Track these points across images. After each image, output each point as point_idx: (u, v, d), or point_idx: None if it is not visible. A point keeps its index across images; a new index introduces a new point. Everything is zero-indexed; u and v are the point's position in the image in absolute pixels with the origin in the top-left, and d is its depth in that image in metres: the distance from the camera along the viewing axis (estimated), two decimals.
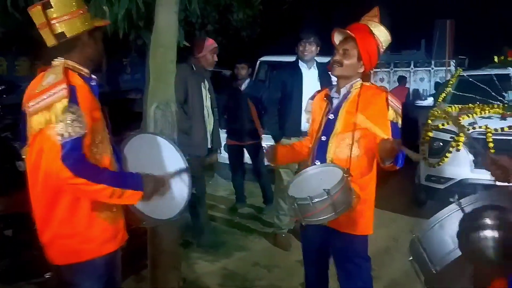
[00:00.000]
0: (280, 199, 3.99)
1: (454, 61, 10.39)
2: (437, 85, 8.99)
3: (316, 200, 1.86)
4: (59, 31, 1.61)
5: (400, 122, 2.09)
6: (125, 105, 8.78)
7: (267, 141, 5.16)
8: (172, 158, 1.97)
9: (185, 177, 1.96)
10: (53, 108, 1.50)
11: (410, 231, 1.73)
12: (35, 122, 1.53)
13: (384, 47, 2.15)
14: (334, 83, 2.35)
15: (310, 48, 3.79)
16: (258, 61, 7.18)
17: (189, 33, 6.75)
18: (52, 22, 1.60)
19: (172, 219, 1.90)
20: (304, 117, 3.74)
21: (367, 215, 2.17)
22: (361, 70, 2.16)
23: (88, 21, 1.67)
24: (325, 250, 2.30)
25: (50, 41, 1.63)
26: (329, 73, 3.86)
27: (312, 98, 2.41)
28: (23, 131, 1.67)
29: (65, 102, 1.50)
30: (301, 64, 3.87)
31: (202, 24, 6.80)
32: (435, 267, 1.44)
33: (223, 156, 5.30)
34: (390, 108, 2.06)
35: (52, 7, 1.59)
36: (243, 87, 4.75)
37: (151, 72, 2.68)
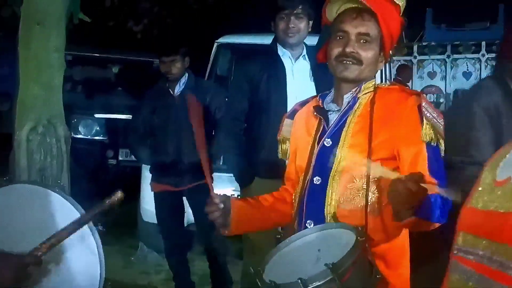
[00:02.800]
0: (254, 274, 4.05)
1: None
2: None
3: (315, 284, 1.81)
4: None
5: (442, 144, 2.10)
6: None
7: (222, 184, 5.27)
8: (65, 220, 1.98)
9: (92, 245, 2.01)
10: None
11: None
12: None
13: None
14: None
15: (298, 26, 3.79)
16: (216, 44, 7.29)
17: None
18: None
19: None
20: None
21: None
22: (381, 65, 2.27)
23: None
24: None
25: None
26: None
27: (291, 115, 2.44)
28: None
29: None
30: (283, 51, 3.91)
31: None
32: None
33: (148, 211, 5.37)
34: (425, 121, 2.06)
35: None
36: (176, 90, 4.82)
37: (21, 66, 2.75)
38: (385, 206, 2.08)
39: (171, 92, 4.75)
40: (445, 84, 10.80)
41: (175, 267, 5.03)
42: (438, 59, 11.08)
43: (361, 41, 2.15)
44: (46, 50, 2.77)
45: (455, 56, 10.97)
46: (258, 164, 3.87)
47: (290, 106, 3.84)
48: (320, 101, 2.31)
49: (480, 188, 1.01)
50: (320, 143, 2.21)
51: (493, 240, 0.93)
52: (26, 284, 1.80)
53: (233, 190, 5.03)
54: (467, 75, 10.87)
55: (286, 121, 2.46)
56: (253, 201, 2.41)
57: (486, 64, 10.84)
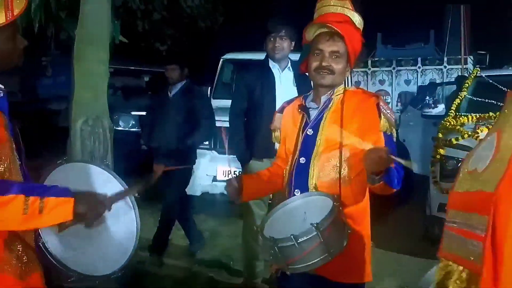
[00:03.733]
0: (251, 240, 4.04)
1: (471, 57, 10.77)
2: (428, 87, 9.25)
3: (303, 239, 1.85)
4: None
5: (395, 133, 2.17)
6: (45, 118, 8.72)
7: (228, 163, 5.21)
8: (110, 191, 1.93)
9: (131, 217, 1.95)
10: None
11: (395, 261, 1.75)
12: None
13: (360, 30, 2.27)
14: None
15: (282, 45, 3.85)
16: (221, 60, 7.27)
17: (130, 24, 6.82)
18: None
19: (112, 275, 1.85)
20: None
21: (365, 257, 2.20)
22: (348, 74, 2.28)
23: None
24: None
25: None
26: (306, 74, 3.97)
27: (281, 111, 2.45)
28: None
29: None
30: (272, 64, 3.95)
31: (147, 12, 6.88)
32: None
33: None
34: (382, 116, 2.12)
35: None
36: (172, 92, 4.74)
37: (76, 76, 2.73)
38: (354, 178, 2.15)
39: (169, 93, 4.70)
40: (392, 89, 10.90)
41: (183, 223, 4.98)
42: (386, 70, 11.21)
43: (333, 57, 2.18)
44: (95, 63, 2.75)
45: (399, 68, 11.12)
46: (254, 148, 3.91)
47: (278, 105, 3.83)
48: (303, 101, 2.34)
49: (460, 176, 1.04)
50: (304, 132, 2.24)
51: (465, 211, 0.97)
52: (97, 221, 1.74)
53: (236, 168, 4.94)
54: (407, 81, 11.02)
55: (277, 115, 2.47)
56: (256, 176, 2.53)
57: (421, 74, 10.99)
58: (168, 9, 7.14)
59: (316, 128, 2.21)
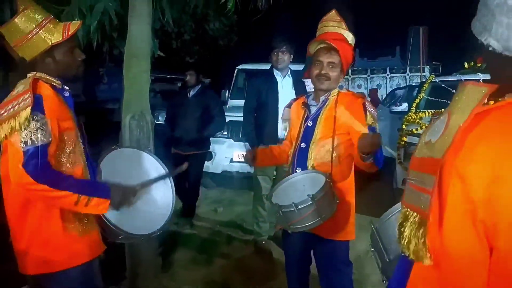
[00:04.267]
0: (259, 206, 4.04)
1: (428, 67, 10.68)
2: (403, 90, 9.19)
3: (301, 206, 1.88)
4: (19, 55, 1.66)
5: (377, 126, 2.16)
6: (102, 115, 8.74)
7: (241, 148, 5.14)
8: (153, 171, 1.96)
9: (168, 191, 1.94)
10: (18, 116, 1.54)
11: (370, 223, 1.75)
12: (2, 130, 1.57)
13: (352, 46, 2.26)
14: (308, 89, 2.43)
15: (283, 57, 3.83)
16: (236, 69, 7.22)
17: (166, 42, 6.80)
18: (13, 47, 1.66)
19: (152, 235, 1.86)
20: (281, 125, 3.81)
21: (350, 220, 2.22)
22: (341, 80, 2.26)
23: (44, 41, 1.66)
24: (307, 256, 2.34)
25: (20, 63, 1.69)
26: (303, 80, 3.95)
27: (289, 106, 2.46)
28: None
29: (28, 110, 1.54)
30: (276, 73, 3.93)
31: (179, 33, 6.85)
32: (389, 256, 1.51)
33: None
34: (368, 113, 2.12)
35: (4, 36, 1.65)
36: (191, 93, 4.66)
37: (125, 82, 2.72)
38: (342, 160, 2.15)
39: (188, 94, 4.65)
40: (367, 92, 10.84)
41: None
42: (362, 77, 11.15)
43: (330, 66, 2.17)
44: (139, 72, 2.73)
45: (372, 75, 11.07)
46: (262, 136, 3.87)
47: (280, 104, 3.86)
48: (306, 99, 2.33)
49: (418, 145, 1.04)
50: (305, 124, 2.24)
51: (420, 172, 0.99)
52: (126, 205, 1.77)
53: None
54: (379, 86, 10.99)
55: (286, 109, 2.49)
56: (267, 150, 2.52)
57: (389, 80, 10.94)
58: (195, 31, 7.11)
59: (314, 121, 2.21)
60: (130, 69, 2.71)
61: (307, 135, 2.20)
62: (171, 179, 1.99)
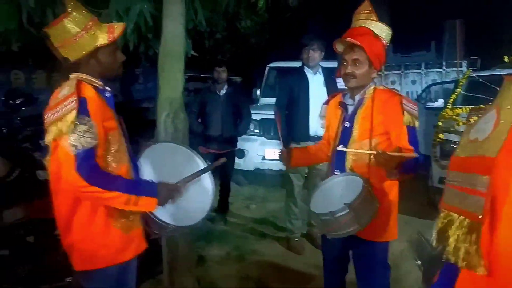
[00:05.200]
0: (292, 204, 4.04)
1: (466, 61, 10.30)
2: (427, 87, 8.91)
3: (338, 214, 1.84)
4: (63, 55, 1.68)
5: (417, 124, 2.03)
6: (138, 113, 8.95)
7: (273, 146, 5.12)
8: (191, 164, 1.99)
9: (208, 183, 1.97)
10: (64, 120, 1.56)
11: (417, 233, 1.71)
12: (49, 133, 1.60)
13: (388, 42, 2.12)
14: (340, 86, 2.36)
15: (314, 55, 3.80)
16: (267, 67, 7.21)
17: (199, 42, 6.89)
18: (57, 47, 1.68)
19: (195, 226, 1.91)
20: (319, 122, 3.76)
21: (391, 221, 2.13)
22: (374, 75, 2.12)
23: (89, 42, 1.69)
24: (346, 256, 2.27)
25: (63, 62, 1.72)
26: (333, 77, 3.90)
27: (326, 103, 2.38)
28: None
29: (74, 113, 1.56)
30: (307, 70, 3.90)
31: (211, 32, 6.91)
32: None
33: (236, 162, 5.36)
34: (405, 112, 1.99)
35: (50, 36, 1.66)
36: (222, 91, 4.61)
37: (160, 82, 2.77)
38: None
39: (217, 92, 4.60)
40: (400, 88, 10.57)
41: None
42: (396, 73, 10.89)
43: (356, 64, 2.07)
44: (174, 72, 2.77)
45: (406, 71, 10.79)
46: (293, 134, 3.86)
47: (311, 101, 3.84)
48: (342, 98, 2.23)
49: (461, 144, 0.99)
50: (343, 124, 2.16)
51: (466, 172, 0.93)
52: (172, 202, 1.81)
53: (279, 149, 4.93)
54: (413, 82, 10.70)
55: (324, 106, 2.41)
56: (304, 149, 2.49)
57: (424, 76, 10.67)
58: (228, 30, 7.15)
59: (351, 121, 2.12)
60: (164, 68, 2.76)
61: (345, 136, 2.12)
62: (211, 174, 2.01)
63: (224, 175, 4.73)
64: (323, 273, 2.42)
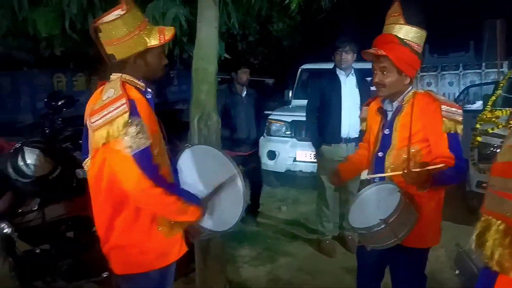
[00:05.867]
0: (323, 206, 4.01)
1: (507, 62, 9.90)
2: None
3: (375, 230, 1.82)
4: (109, 53, 1.65)
5: (460, 130, 1.95)
6: (173, 115, 9.12)
7: (305, 148, 5.08)
8: (224, 168, 1.99)
9: (239, 187, 1.96)
10: (115, 123, 1.53)
11: (456, 244, 1.66)
12: (98, 136, 1.57)
13: (421, 44, 2.03)
14: (373, 88, 2.31)
15: (347, 57, 3.75)
16: (300, 69, 7.19)
17: (231, 44, 6.97)
18: (103, 44, 1.65)
19: (230, 230, 1.90)
20: (351, 124, 3.73)
21: (434, 226, 2.07)
22: (408, 81, 2.04)
23: (140, 43, 1.66)
24: (383, 261, 2.21)
25: (106, 59, 1.71)
26: (366, 79, 3.84)
27: (367, 104, 2.31)
28: (85, 145, 1.75)
29: (126, 116, 1.53)
30: (339, 72, 3.86)
31: (244, 35, 6.97)
32: None
33: (266, 163, 5.37)
34: (444, 119, 1.90)
35: (101, 31, 1.63)
36: (243, 92, 4.55)
37: (193, 84, 2.82)
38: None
39: (239, 93, 4.54)
40: (437, 90, 10.28)
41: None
42: (432, 75, 10.60)
43: (384, 72, 2.00)
44: (207, 74, 2.81)
45: (443, 72, 10.47)
46: (324, 136, 3.85)
47: (343, 103, 3.80)
48: (382, 103, 2.17)
49: (502, 150, 1.00)
50: (382, 131, 2.10)
51: (506, 177, 0.94)
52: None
53: (311, 151, 4.90)
54: (450, 83, 10.37)
55: (365, 108, 2.33)
56: (348, 163, 2.44)
57: (462, 77, 10.32)
58: (260, 33, 7.18)
59: (390, 128, 2.06)
60: (198, 71, 2.81)
61: (385, 143, 2.07)
62: (242, 177, 2.00)
63: (252, 176, 4.74)
64: (355, 277, 2.38)
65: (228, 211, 1.90)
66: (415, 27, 2.01)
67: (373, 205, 1.96)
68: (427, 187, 1.83)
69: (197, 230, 1.83)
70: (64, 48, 4.26)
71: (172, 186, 1.70)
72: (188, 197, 1.71)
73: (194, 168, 1.90)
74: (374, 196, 2.01)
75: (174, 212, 1.67)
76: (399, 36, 1.97)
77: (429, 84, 10.59)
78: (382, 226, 1.79)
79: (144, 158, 1.56)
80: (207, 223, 1.81)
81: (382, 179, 2.05)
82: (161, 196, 1.59)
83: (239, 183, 1.96)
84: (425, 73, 10.55)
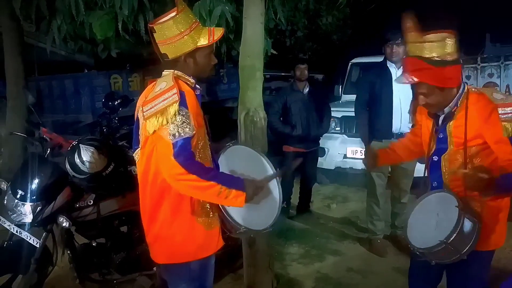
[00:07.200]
0: (374, 204, 3.88)
1: None
2: None
3: (435, 249, 1.78)
4: (163, 52, 1.77)
5: None
6: (223, 113, 9.26)
7: (355, 144, 4.99)
8: (263, 169, 1.99)
9: (276, 189, 1.96)
10: (166, 111, 1.61)
11: None
12: (149, 125, 1.65)
13: (453, 45, 1.79)
14: None
15: (398, 50, 3.62)
16: (350, 64, 7.01)
17: (280, 40, 6.92)
18: (158, 43, 1.77)
19: (265, 230, 1.90)
20: (402, 119, 3.61)
21: (500, 226, 1.94)
22: (454, 90, 1.88)
23: (191, 42, 1.74)
24: (439, 266, 2.04)
25: (160, 58, 1.81)
26: None
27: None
28: (135, 136, 1.85)
29: (176, 106, 1.61)
30: (390, 64, 3.72)
31: (292, 30, 6.90)
32: None
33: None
34: (502, 122, 1.75)
35: (155, 32, 1.75)
36: (305, 89, 4.50)
37: (240, 81, 2.83)
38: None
39: (300, 90, 4.50)
40: (500, 81, 9.61)
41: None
42: (494, 66, 9.92)
43: (423, 96, 1.86)
44: (253, 71, 2.81)
45: (507, 62, 9.76)
46: (375, 132, 3.70)
47: (395, 97, 3.65)
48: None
49: None
50: (436, 135, 1.99)
51: None
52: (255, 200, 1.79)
53: (361, 147, 4.84)
54: None
55: (414, 102, 2.31)
56: (389, 149, 2.37)
57: None
58: (308, 28, 7.07)
59: (444, 132, 1.94)
60: (244, 68, 2.81)
61: (439, 147, 1.97)
62: (279, 179, 2.00)
63: (306, 174, 4.69)
64: (407, 278, 2.27)
65: (264, 211, 1.90)
66: (436, 38, 1.80)
67: (432, 220, 1.88)
68: (491, 194, 1.72)
69: (233, 225, 1.83)
70: (119, 50, 4.46)
71: (210, 170, 1.71)
72: (229, 181, 1.71)
73: (231, 167, 1.91)
74: (432, 206, 1.93)
75: (213, 195, 1.68)
76: (424, 56, 1.79)
77: (490, 75, 9.89)
78: (443, 246, 1.75)
79: (182, 146, 1.61)
80: (243, 220, 1.82)
81: (440, 181, 1.96)
82: (195, 181, 1.62)
83: (275, 184, 1.96)
84: (486, 64, 9.88)
